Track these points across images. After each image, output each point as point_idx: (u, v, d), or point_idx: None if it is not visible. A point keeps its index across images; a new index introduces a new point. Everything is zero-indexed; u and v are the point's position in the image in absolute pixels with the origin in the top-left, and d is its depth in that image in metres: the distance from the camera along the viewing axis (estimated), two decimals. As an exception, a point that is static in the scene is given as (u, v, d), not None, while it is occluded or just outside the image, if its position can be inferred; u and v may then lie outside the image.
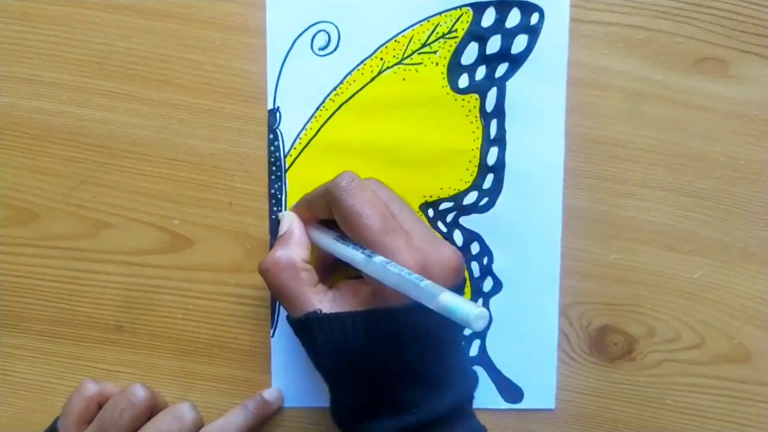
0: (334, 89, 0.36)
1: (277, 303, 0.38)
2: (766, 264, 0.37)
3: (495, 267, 0.37)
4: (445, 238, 0.37)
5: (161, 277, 0.38)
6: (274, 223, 0.37)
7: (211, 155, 0.37)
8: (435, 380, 0.31)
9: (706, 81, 0.36)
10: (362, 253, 0.30)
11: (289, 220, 0.34)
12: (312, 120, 0.37)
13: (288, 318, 0.33)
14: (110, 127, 0.37)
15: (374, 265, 0.29)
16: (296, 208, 0.35)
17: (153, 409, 0.35)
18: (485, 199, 0.37)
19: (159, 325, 0.38)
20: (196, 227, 0.38)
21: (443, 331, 0.31)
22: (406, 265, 0.28)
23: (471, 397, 0.33)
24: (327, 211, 0.32)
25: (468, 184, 0.37)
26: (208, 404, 0.38)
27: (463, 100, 0.36)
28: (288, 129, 0.37)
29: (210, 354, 0.38)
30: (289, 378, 0.38)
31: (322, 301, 0.31)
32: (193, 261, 0.38)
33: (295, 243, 0.33)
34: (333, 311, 0.30)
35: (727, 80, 0.36)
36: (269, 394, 0.38)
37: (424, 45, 0.36)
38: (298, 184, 0.37)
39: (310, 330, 0.31)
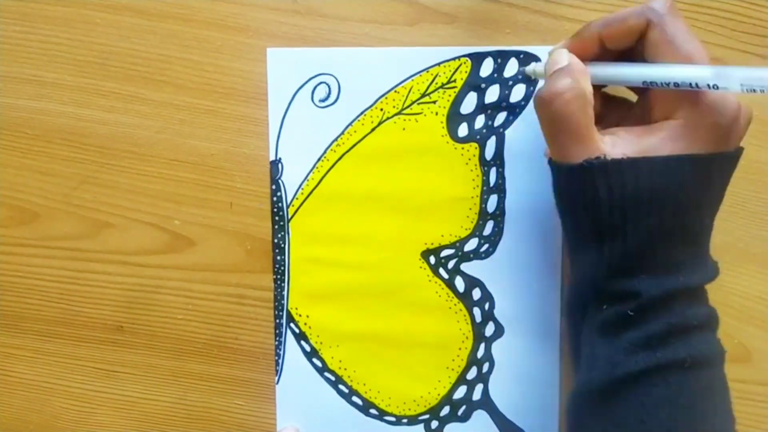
0: (335, 140, 0.37)
1: (283, 348, 0.38)
2: (766, 264, 0.37)
3: (497, 312, 0.38)
4: (446, 284, 0.38)
5: (161, 278, 0.38)
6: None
7: (212, 155, 0.37)
8: (704, 248, 0.29)
9: (706, 81, 0.36)
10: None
11: (567, 55, 0.30)
12: (314, 170, 0.37)
13: (553, 162, 0.30)
14: (111, 128, 0.37)
15: (743, 73, 0.26)
16: (571, 43, 0.31)
17: None
18: (486, 246, 0.37)
19: (159, 326, 0.38)
20: (196, 227, 0.38)
21: (722, 194, 0.30)
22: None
23: (714, 280, 0.31)
24: (629, 36, 0.29)
25: (469, 231, 0.37)
26: (208, 404, 0.38)
27: (463, 148, 0.37)
28: (290, 179, 0.37)
29: (210, 354, 0.38)
30: (294, 422, 0.39)
31: (605, 143, 0.28)
32: (194, 261, 0.38)
33: (582, 75, 0.29)
34: (617, 157, 0.28)
35: (726, 80, 0.36)
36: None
37: (423, 95, 0.36)
38: (301, 234, 0.37)
39: (592, 179, 0.28)
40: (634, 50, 0.30)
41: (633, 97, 0.33)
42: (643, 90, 0.30)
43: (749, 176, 0.36)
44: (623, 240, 0.28)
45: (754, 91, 0.25)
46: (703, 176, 0.28)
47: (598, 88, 0.31)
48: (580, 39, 0.31)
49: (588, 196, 0.28)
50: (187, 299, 0.38)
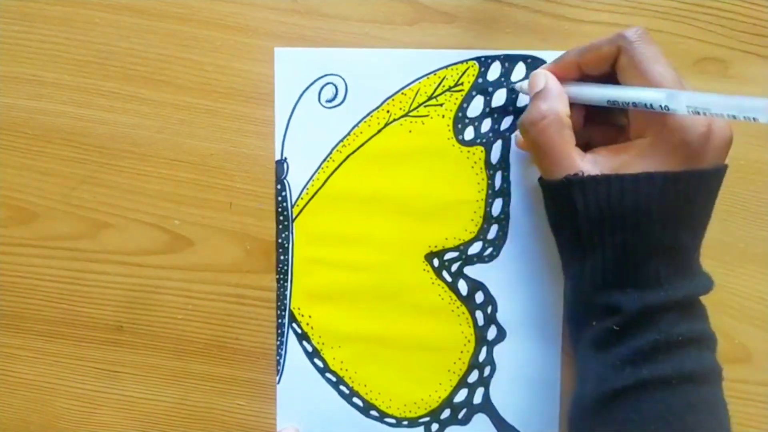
0: (341, 141, 0.37)
1: (285, 348, 0.38)
2: (766, 264, 0.37)
3: (499, 316, 0.38)
4: (449, 287, 0.38)
5: (161, 278, 0.38)
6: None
7: (211, 155, 0.37)
8: (687, 263, 0.30)
9: (706, 81, 0.36)
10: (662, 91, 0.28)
11: (544, 77, 0.32)
12: (319, 171, 0.37)
13: (541, 180, 0.32)
14: (110, 128, 0.37)
15: (689, 97, 0.27)
16: (552, 67, 0.33)
17: None
18: (489, 249, 0.37)
19: (159, 326, 0.38)
20: (196, 227, 0.38)
21: (705, 213, 0.30)
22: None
23: (705, 293, 0.31)
24: (603, 62, 0.31)
25: (473, 235, 0.37)
26: (208, 404, 0.38)
27: (469, 152, 0.37)
28: (295, 179, 0.37)
29: (210, 354, 0.38)
30: (295, 422, 0.39)
31: (584, 161, 0.30)
32: (194, 261, 0.38)
33: (558, 97, 0.31)
34: (594, 174, 0.29)
35: (727, 80, 0.36)
36: None
37: (430, 98, 0.36)
38: (305, 234, 0.37)
39: (571, 192, 0.30)
40: (612, 74, 0.31)
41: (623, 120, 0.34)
42: (625, 111, 0.31)
43: (749, 176, 0.36)
44: (602, 254, 0.30)
45: (698, 113, 0.27)
46: (675, 193, 0.29)
47: (585, 109, 0.33)
48: (560, 64, 0.33)
49: (568, 210, 0.30)
50: (186, 299, 0.38)
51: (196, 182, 0.37)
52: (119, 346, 0.38)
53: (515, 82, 0.36)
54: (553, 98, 0.31)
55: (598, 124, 0.33)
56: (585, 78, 0.33)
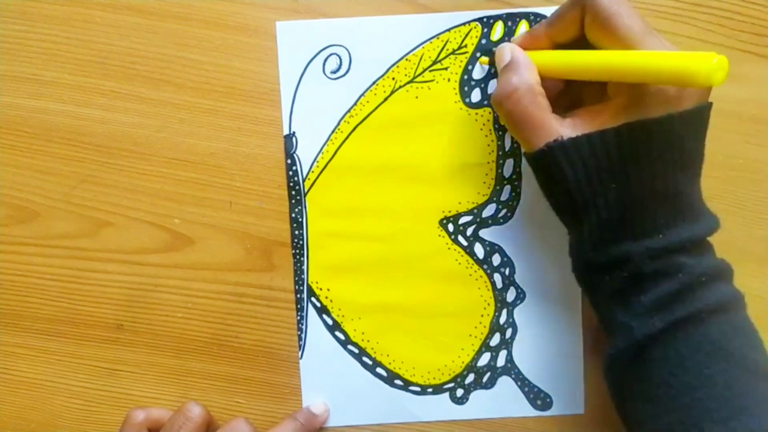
0: (348, 111, 0.37)
1: (305, 322, 0.38)
2: (765, 263, 0.37)
3: (517, 277, 0.38)
4: (465, 251, 0.38)
5: (161, 276, 0.38)
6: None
7: (211, 154, 0.37)
8: (686, 206, 0.30)
9: (706, 80, 0.36)
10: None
11: (509, 49, 0.32)
12: (328, 143, 0.37)
13: (525, 154, 0.32)
14: (110, 127, 0.37)
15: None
16: (517, 40, 0.33)
17: (209, 426, 0.36)
18: (504, 211, 0.37)
19: (159, 324, 0.38)
20: (196, 226, 0.38)
21: (696, 154, 0.30)
22: None
23: (710, 234, 0.31)
24: (571, 27, 0.31)
25: (486, 197, 0.37)
26: (208, 403, 0.38)
27: (477, 114, 0.37)
28: (305, 153, 0.37)
29: (210, 353, 0.38)
30: (320, 396, 0.39)
31: (563, 126, 0.30)
32: (194, 260, 0.38)
33: (526, 68, 0.31)
34: (575, 136, 0.29)
35: (726, 80, 0.36)
36: (316, 407, 0.38)
37: (434, 62, 0.36)
38: (318, 207, 0.37)
39: (554, 159, 0.29)
40: (584, 37, 0.31)
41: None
42: None
43: (748, 176, 0.36)
44: (597, 213, 0.30)
45: None
46: (659, 138, 0.28)
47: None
48: (528, 38, 0.33)
49: (557, 177, 0.30)
50: (186, 298, 0.38)
51: (196, 181, 0.37)
52: (119, 344, 0.39)
53: (483, 67, 0.36)
54: (521, 69, 0.31)
55: (583, 83, 0.33)
56: (557, 47, 0.32)
